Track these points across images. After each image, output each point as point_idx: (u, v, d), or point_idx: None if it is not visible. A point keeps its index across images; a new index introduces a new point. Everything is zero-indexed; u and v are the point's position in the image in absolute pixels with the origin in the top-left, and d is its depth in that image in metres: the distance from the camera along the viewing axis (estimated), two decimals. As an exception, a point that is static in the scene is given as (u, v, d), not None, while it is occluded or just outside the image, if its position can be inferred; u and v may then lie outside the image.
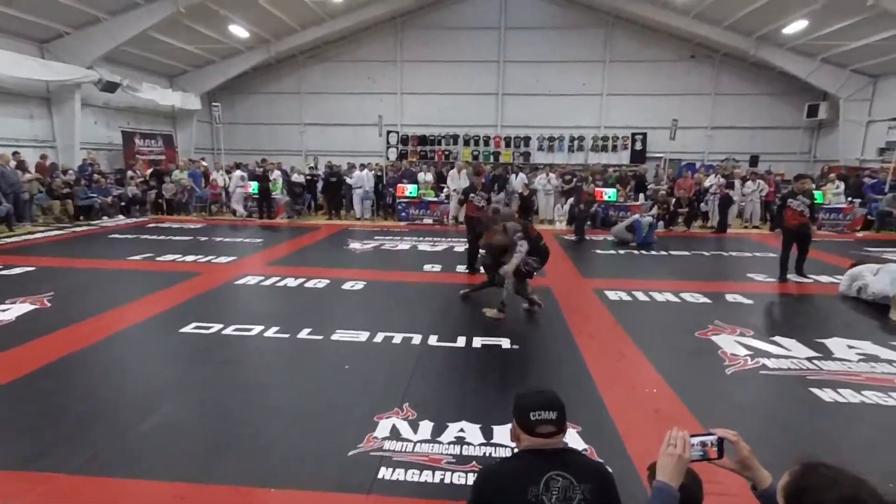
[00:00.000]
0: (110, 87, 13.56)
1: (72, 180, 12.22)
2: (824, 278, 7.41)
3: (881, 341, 4.89)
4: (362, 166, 14.06)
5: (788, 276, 7.35)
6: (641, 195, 13.55)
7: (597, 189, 12.93)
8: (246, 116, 19.73)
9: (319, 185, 14.43)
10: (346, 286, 6.85)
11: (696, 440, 1.32)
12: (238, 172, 14.04)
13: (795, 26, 14.23)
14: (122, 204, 13.21)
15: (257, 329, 5.04)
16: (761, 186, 12.81)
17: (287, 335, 4.93)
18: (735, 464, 1.31)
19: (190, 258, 8.42)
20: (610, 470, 1.67)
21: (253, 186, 13.61)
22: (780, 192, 10.04)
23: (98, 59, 13.50)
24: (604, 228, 12.18)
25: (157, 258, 8.36)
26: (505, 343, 4.82)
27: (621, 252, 9.68)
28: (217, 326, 5.09)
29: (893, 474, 2.86)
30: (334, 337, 4.91)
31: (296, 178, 13.87)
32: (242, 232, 11.40)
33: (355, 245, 10.07)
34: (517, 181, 13.92)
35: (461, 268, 7.99)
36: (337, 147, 18.87)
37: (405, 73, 19.08)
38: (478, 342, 4.84)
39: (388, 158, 18.28)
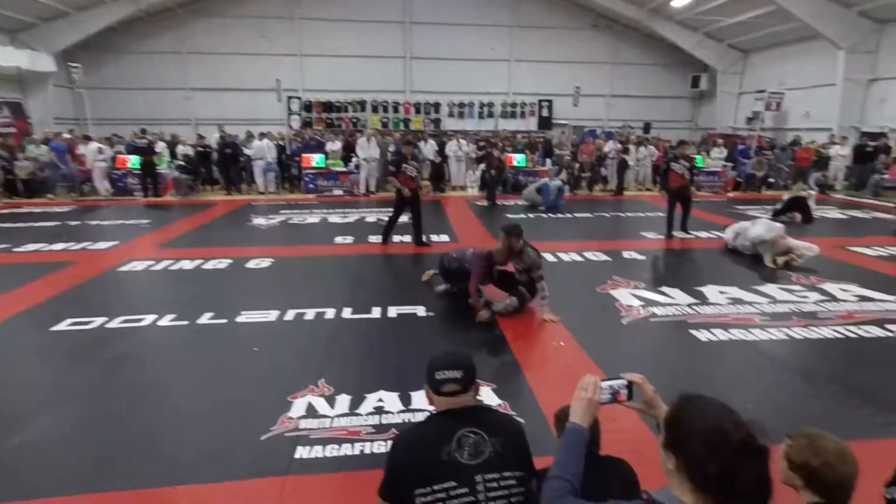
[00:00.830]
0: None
1: None
2: (703, 234, 8.26)
3: (745, 286, 5.58)
4: (262, 135, 13.15)
5: (674, 232, 8.10)
6: (548, 160, 14.09)
7: (507, 155, 13.25)
8: (117, 80, 17.26)
9: (215, 157, 13.31)
10: (251, 264, 6.47)
11: (606, 384, 1.40)
12: (94, 145, 12.35)
13: (682, 0, 15.28)
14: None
15: (149, 319, 4.62)
16: (652, 152, 13.90)
17: (185, 322, 4.57)
18: (641, 404, 1.41)
19: (59, 246, 7.41)
20: (522, 421, 1.75)
21: (133, 160, 12.12)
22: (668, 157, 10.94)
23: None
24: (514, 193, 12.57)
25: (15, 249, 7.25)
26: (420, 311, 4.87)
27: (531, 216, 10.07)
28: (99, 320, 4.57)
29: (751, 397, 3.33)
30: (240, 319, 4.65)
31: (181, 149, 12.66)
32: (124, 213, 10.24)
33: (259, 221, 9.52)
34: (428, 148, 13.85)
35: (374, 238, 7.85)
36: (231, 115, 17.30)
37: (304, 33, 17.91)
38: (393, 312, 4.84)
39: (290, 127, 17.31)
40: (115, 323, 4.54)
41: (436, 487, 1.43)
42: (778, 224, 6.73)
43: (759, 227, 6.73)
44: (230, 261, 6.59)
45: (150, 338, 4.32)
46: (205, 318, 4.64)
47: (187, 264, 6.45)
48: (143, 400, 3.35)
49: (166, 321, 4.60)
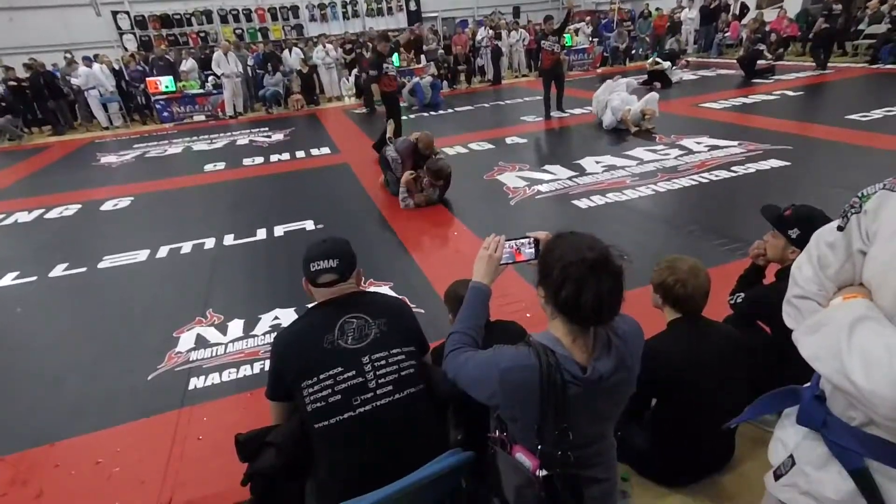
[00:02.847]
0: None
1: None
2: (578, 110, 8.55)
3: (617, 153, 5.96)
4: (88, 60, 11.04)
5: (552, 113, 8.31)
6: (422, 57, 13.48)
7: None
8: None
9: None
10: (107, 206, 5.71)
11: (510, 243, 1.37)
12: None
13: None
14: None
15: (-15, 282, 3.96)
16: (523, 35, 13.75)
17: (33, 278, 3.99)
18: None
19: None
20: (407, 302, 1.70)
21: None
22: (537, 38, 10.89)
23: None
24: (392, 96, 11.98)
25: None
26: (309, 225, 4.65)
27: (412, 116, 9.74)
28: (-84, 293, 3.83)
29: (625, 249, 3.63)
30: (102, 265, 4.14)
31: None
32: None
33: (109, 159, 8.28)
34: (293, 58, 12.57)
35: (248, 161, 7.18)
36: (42, 39, 14.07)
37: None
38: (279, 230, 4.58)
39: (125, 49, 14.68)
40: (-62, 295, 3.82)
41: (322, 376, 1.36)
42: (616, 103, 7.02)
43: (608, 115, 7.09)
44: (79, 206, 5.76)
45: (-10, 303, 3.72)
46: (58, 271, 4.08)
47: (23, 216, 5.54)
48: (-6, 370, 2.92)
49: (7, 281, 3.99)
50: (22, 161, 8.59)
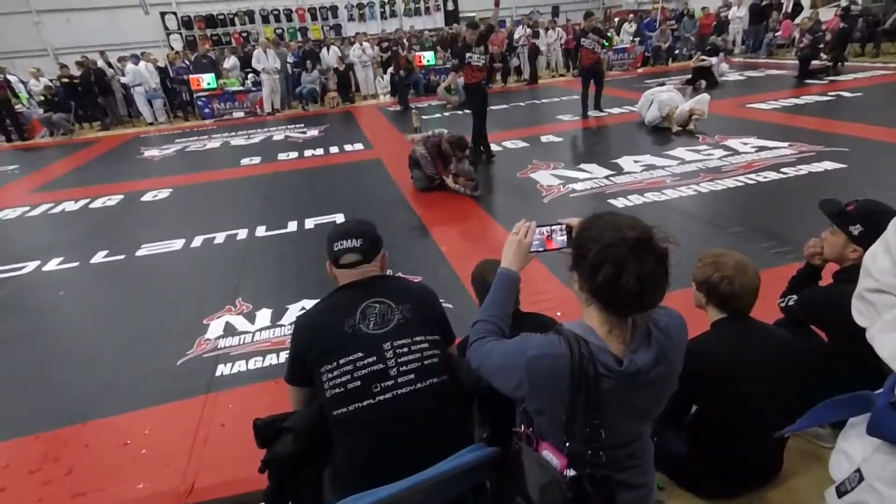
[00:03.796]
0: None
1: None
2: (616, 110, 8.34)
3: (657, 152, 5.76)
4: (136, 58, 11.49)
5: (589, 112, 8.12)
6: (458, 56, 13.44)
7: (415, 54, 12.48)
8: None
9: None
10: (147, 197, 5.89)
11: (541, 230, 1.31)
12: None
13: None
14: None
15: (32, 265, 4.14)
16: (561, 34, 13.53)
17: (76, 263, 4.13)
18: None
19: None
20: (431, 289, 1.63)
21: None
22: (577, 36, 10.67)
23: None
24: (428, 94, 12.02)
25: None
26: (339, 218, 4.66)
27: (446, 114, 9.72)
28: (-31, 273, 4.03)
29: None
30: (140, 253, 4.25)
31: (33, 85, 10.87)
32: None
33: (152, 152, 8.56)
34: (331, 56, 12.75)
35: (283, 156, 7.29)
36: (96, 39, 14.76)
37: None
38: (310, 223, 4.60)
39: (171, 48, 15.21)
40: (-12, 275, 4.01)
41: (342, 361, 1.31)
42: (665, 97, 6.80)
43: (654, 110, 6.85)
44: (121, 196, 5.96)
45: (35, 284, 3.88)
46: (98, 257, 4.21)
47: (70, 205, 5.77)
48: (34, 350, 3.02)
49: (52, 265, 4.13)
50: (72, 154, 8.98)
